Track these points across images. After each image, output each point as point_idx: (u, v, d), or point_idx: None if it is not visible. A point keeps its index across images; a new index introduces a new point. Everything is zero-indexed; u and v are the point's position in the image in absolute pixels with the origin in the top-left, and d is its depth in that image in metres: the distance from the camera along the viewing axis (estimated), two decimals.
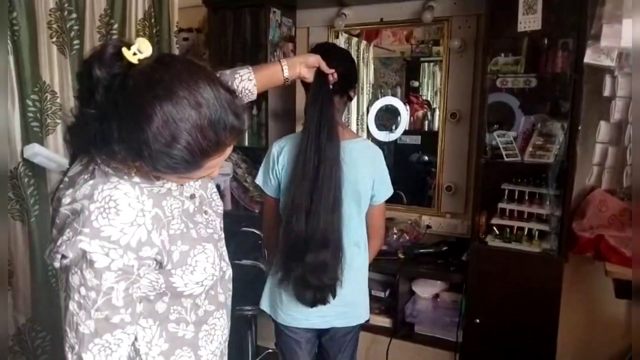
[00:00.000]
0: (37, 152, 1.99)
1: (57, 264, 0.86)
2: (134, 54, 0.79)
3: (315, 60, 1.43)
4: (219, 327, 1.07)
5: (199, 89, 0.79)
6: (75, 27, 2.17)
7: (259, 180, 1.69)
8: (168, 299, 0.97)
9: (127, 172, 0.88)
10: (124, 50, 0.79)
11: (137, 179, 0.90)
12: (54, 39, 2.09)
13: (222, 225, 1.11)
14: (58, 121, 2.13)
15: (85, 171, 0.89)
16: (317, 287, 1.53)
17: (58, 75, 2.12)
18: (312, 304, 1.56)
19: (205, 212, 1.04)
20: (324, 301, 1.55)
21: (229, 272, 1.11)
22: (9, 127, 2.00)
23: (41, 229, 2.14)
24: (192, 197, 1.02)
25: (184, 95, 0.77)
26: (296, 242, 1.50)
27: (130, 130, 0.78)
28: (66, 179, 0.92)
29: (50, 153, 2.05)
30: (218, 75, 0.98)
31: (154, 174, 0.88)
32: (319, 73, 1.46)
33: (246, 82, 1.28)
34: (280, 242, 1.58)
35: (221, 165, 0.91)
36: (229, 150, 0.87)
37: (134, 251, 0.85)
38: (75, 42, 2.18)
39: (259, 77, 1.31)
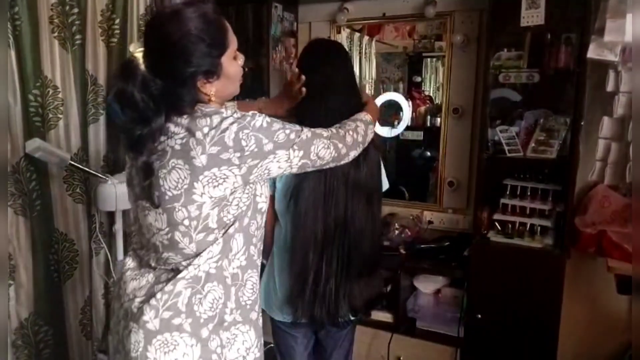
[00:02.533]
0: (39, 147, 1.99)
1: (248, 145, 1.07)
2: (138, 52, 1.07)
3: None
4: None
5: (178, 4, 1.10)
6: (77, 22, 2.17)
7: None
8: (250, 213, 1.16)
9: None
10: (133, 57, 1.07)
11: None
12: (56, 34, 2.09)
13: None
14: (60, 116, 2.14)
15: (195, 118, 1.06)
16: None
17: (60, 70, 2.12)
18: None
19: None
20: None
21: None
22: (11, 121, 2.00)
23: (43, 224, 2.15)
24: None
25: (176, 9, 1.07)
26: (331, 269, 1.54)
27: (190, 50, 1.04)
28: (182, 132, 1.06)
29: (52, 148, 2.05)
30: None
31: (223, 77, 1.12)
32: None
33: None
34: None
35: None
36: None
37: None
38: (77, 37, 2.18)
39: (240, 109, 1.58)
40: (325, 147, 1.21)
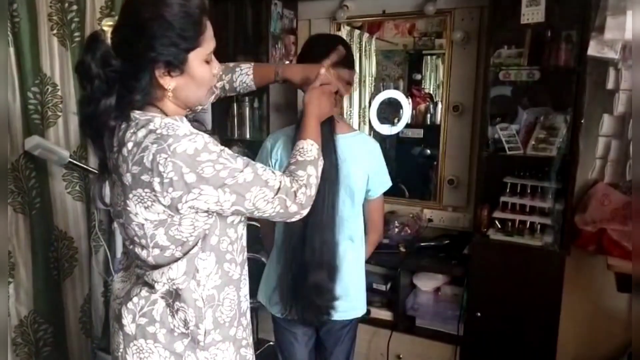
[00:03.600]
0: (38, 145, 1.99)
1: (174, 194, 0.97)
2: (110, 26, 1.03)
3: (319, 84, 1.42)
4: (248, 276, 1.23)
5: None
6: (76, 19, 2.16)
7: None
8: (218, 231, 1.08)
9: (161, 117, 1.02)
10: (101, 32, 1.01)
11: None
12: (55, 31, 2.08)
13: None
14: (59, 113, 2.13)
15: (130, 128, 1.01)
16: (313, 307, 1.55)
17: (59, 68, 2.11)
18: (308, 322, 1.60)
19: None
20: (319, 321, 1.60)
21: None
22: (10, 119, 2.00)
23: (42, 222, 2.15)
24: None
25: None
26: (295, 264, 1.53)
27: (155, 34, 0.97)
28: (115, 147, 1.03)
29: (51, 145, 2.05)
30: (223, 67, 1.39)
31: (187, 75, 1.03)
32: None
33: (244, 76, 1.44)
34: (281, 261, 1.58)
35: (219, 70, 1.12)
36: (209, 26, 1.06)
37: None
38: (76, 34, 2.17)
39: (257, 72, 1.46)
40: (266, 200, 1.05)
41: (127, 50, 0.99)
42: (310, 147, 1.21)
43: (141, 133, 0.99)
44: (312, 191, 1.15)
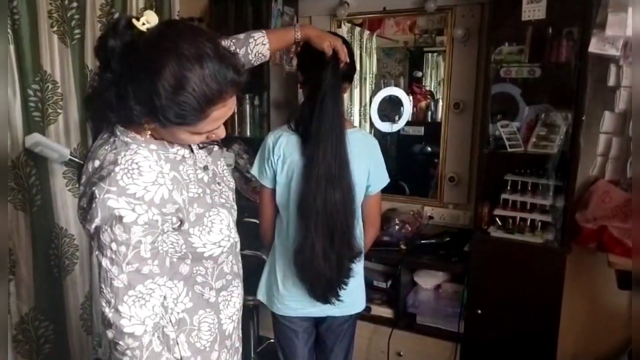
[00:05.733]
0: (38, 142, 1.99)
1: (89, 226, 0.92)
2: (143, 24, 0.89)
3: (334, 42, 1.45)
4: (236, 295, 1.18)
5: (201, 44, 0.87)
6: (76, 16, 2.16)
7: (254, 171, 1.68)
8: (190, 262, 1.04)
9: (144, 140, 0.97)
10: (134, 20, 0.89)
11: (153, 147, 0.98)
12: (55, 28, 2.08)
13: (234, 198, 1.18)
14: (59, 111, 2.13)
15: (107, 143, 0.98)
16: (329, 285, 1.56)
17: (59, 65, 2.11)
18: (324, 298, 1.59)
19: (218, 184, 1.13)
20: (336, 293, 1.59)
21: (239, 244, 1.20)
22: (10, 116, 2.00)
23: (43, 219, 2.15)
24: (206, 168, 1.10)
25: (187, 49, 0.86)
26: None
27: (143, 86, 0.86)
28: (89, 154, 1.01)
29: (52, 143, 2.05)
30: (233, 40, 1.31)
31: (167, 130, 0.94)
32: (334, 61, 1.47)
33: (260, 46, 1.40)
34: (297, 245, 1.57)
35: (222, 135, 1.00)
36: (232, 103, 0.94)
37: (157, 207, 0.93)
38: (76, 31, 2.17)
39: (273, 39, 1.42)
40: (114, 306, 0.93)
41: (122, 69, 0.88)
42: None
43: (110, 157, 0.94)
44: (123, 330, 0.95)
